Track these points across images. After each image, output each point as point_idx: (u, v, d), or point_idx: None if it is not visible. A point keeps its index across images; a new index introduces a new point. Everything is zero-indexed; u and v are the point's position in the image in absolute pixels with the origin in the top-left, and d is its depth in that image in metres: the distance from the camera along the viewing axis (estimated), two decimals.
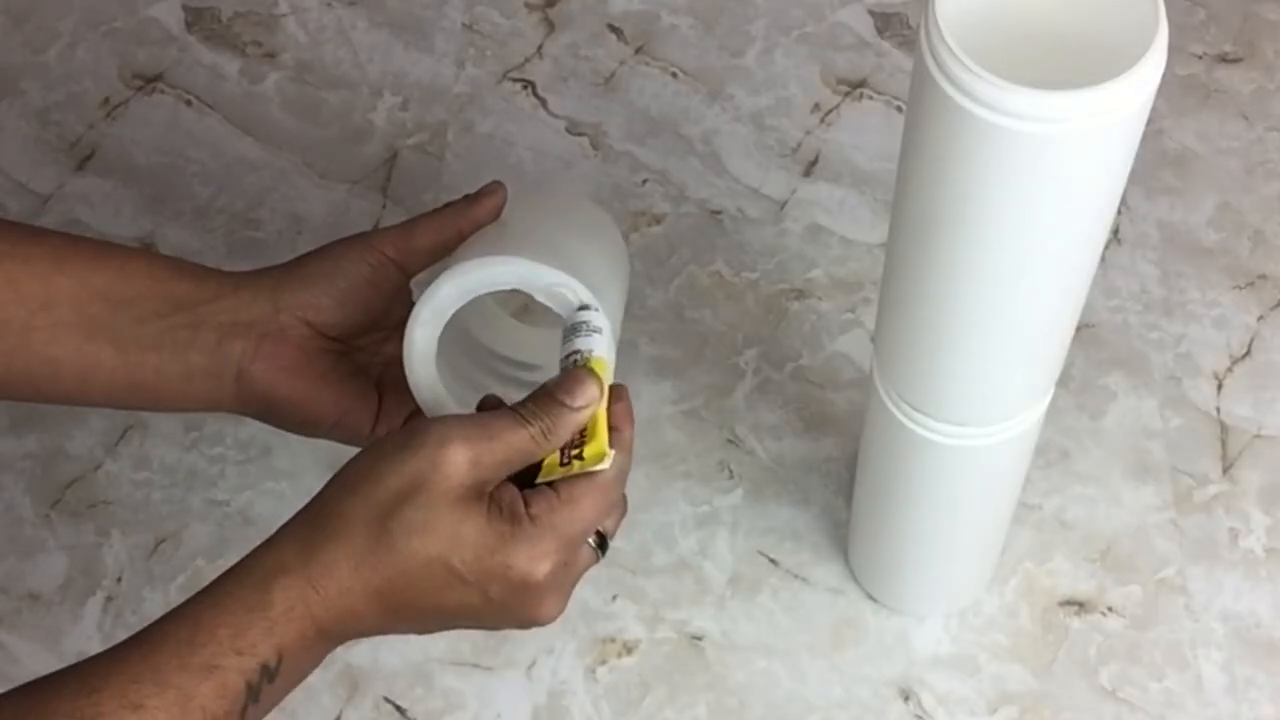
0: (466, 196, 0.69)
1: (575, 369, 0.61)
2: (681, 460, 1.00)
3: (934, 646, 0.93)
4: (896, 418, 0.77)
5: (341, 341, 0.68)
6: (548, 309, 0.64)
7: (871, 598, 0.95)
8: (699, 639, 0.94)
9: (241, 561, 0.57)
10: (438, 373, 0.65)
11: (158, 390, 0.66)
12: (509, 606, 0.59)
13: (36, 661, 0.93)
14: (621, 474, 0.60)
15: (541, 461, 0.59)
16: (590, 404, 0.60)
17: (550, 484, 0.59)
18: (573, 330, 0.62)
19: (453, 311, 0.63)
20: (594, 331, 0.62)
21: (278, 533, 0.58)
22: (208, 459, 1.00)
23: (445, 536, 0.56)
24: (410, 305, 0.69)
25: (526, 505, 0.58)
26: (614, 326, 0.64)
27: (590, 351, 0.61)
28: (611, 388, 0.62)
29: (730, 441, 1.00)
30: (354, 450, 0.61)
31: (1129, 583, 0.95)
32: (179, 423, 1.01)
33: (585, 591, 0.95)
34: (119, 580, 0.96)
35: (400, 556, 0.56)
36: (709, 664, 0.93)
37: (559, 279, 0.62)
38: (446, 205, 0.69)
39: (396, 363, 0.67)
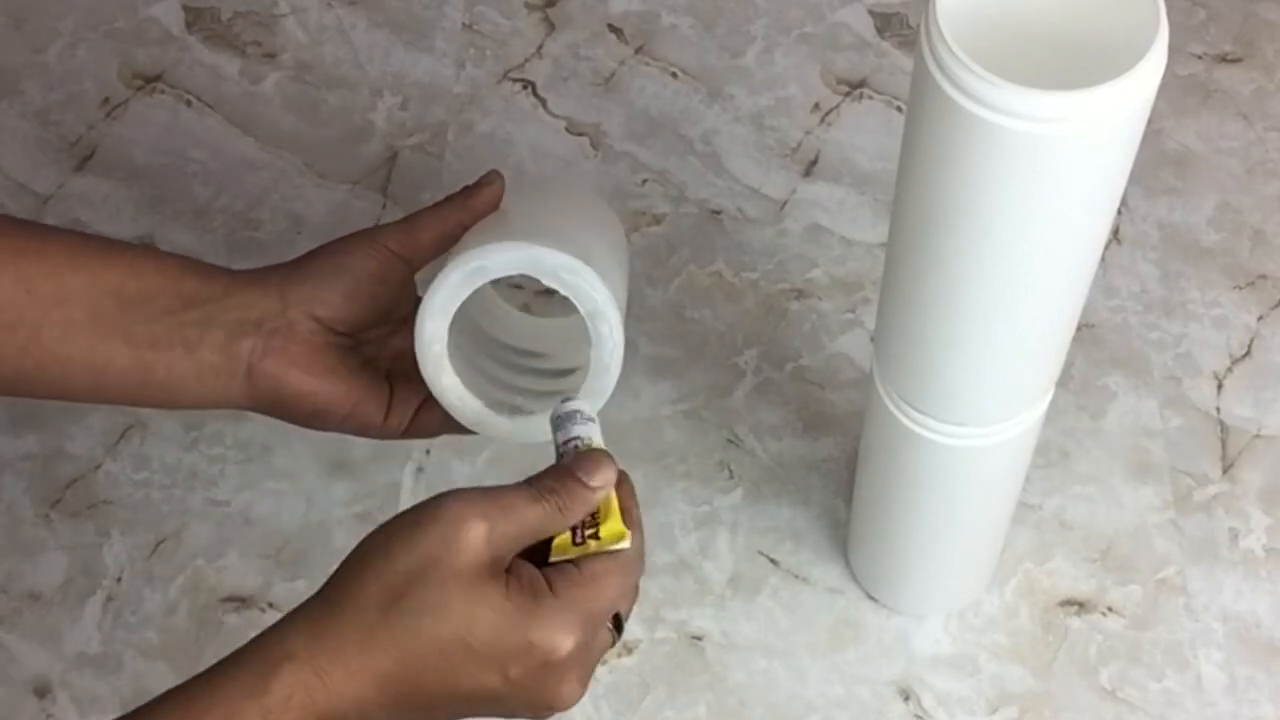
0: (465, 188, 0.70)
1: (593, 451, 0.60)
2: (681, 460, 1.00)
3: (934, 646, 0.93)
4: (896, 418, 0.77)
5: (349, 336, 0.68)
6: (549, 302, 0.64)
7: (871, 598, 0.95)
8: (699, 639, 0.94)
9: (251, 641, 0.56)
10: (450, 364, 0.66)
11: (169, 388, 0.66)
12: (528, 688, 0.56)
13: (37, 661, 0.93)
14: (640, 554, 0.60)
15: (551, 541, 0.59)
16: (606, 485, 0.59)
17: (571, 561, 0.58)
18: (567, 419, 0.62)
19: (462, 299, 0.64)
20: (589, 420, 0.62)
21: (290, 613, 0.56)
22: (208, 459, 1.00)
23: (460, 615, 0.55)
24: (416, 299, 0.70)
25: (548, 582, 0.57)
26: (620, 308, 0.64)
27: (590, 439, 0.61)
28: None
29: (730, 441, 1.00)
30: (361, 440, 0.60)
31: (1129, 583, 0.95)
32: (179, 423, 1.01)
33: None
34: (119, 580, 0.96)
35: (412, 638, 0.55)
36: (709, 664, 0.93)
37: (566, 262, 0.63)
38: (447, 198, 0.70)
39: (405, 355, 0.68)
